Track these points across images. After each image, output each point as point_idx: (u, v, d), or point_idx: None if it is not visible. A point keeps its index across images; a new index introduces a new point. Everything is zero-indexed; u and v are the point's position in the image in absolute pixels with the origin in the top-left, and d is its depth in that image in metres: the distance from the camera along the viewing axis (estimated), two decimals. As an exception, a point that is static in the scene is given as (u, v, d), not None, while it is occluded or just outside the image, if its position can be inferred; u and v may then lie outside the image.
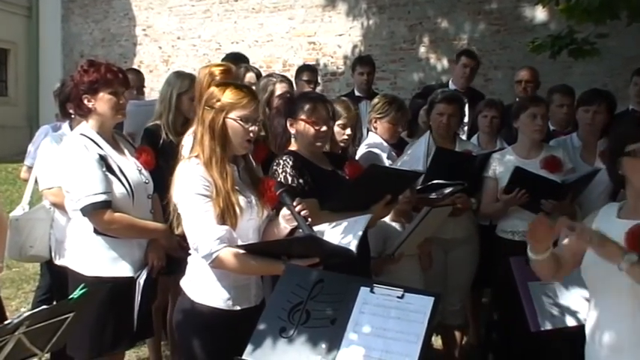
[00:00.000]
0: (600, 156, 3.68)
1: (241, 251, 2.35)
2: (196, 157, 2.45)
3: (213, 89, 2.52)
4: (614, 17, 4.02)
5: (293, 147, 2.99)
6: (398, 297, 1.94)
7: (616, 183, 2.36)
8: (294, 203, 2.43)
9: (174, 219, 2.50)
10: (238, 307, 2.47)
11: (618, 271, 2.05)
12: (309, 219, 2.41)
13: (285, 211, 2.46)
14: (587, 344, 2.31)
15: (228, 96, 2.45)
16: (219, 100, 2.45)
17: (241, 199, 2.44)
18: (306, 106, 2.92)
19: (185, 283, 2.54)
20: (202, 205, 2.36)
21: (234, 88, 2.50)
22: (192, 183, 2.39)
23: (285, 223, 2.48)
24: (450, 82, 5.64)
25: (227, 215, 2.38)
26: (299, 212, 2.40)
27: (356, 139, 3.66)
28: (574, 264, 2.35)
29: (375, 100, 4.09)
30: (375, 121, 3.96)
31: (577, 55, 4.42)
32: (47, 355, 2.38)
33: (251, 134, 2.47)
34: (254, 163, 2.75)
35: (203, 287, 2.47)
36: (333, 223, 2.62)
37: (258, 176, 2.64)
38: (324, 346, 1.90)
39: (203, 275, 2.46)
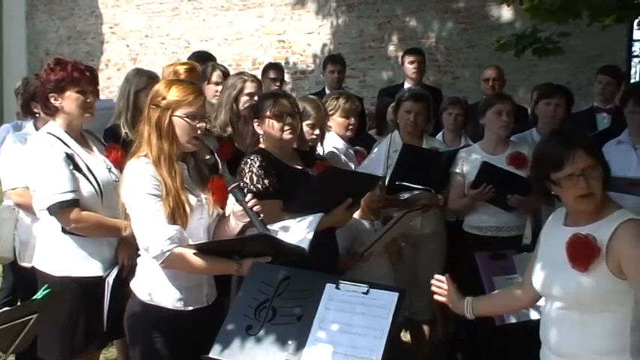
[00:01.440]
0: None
1: (193, 251, 2.32)
2: (145, 156, 2.42)
3: (159, 87, 2.49)
4: (575, 17, 4.10)
5: (262, 145, 2.99)
6: (363, 293, 1.97)
7: (547, 202, 2.34)
8: (247, 199, 2.41)
9: (123, 219, 2.46)
10: (190, 308, 2.45)
11: (564, 280, 2.11)
12: (262, 214, 2.40)
13: (237, 208, 2.44)
14: (542, 348, 2.32)
15: (173, 94, 2.43)
16: (164, 99, 2.42)
17: (191, 198, 2.42)
18: (269, 103, 2.95)
19: (135, 285, 2.50)
20: (152, 205, 2.33)
21: (180, 86, 2.48)
22: (142, 182, 2.35)
23: (237, 220, 2.46)
24: (405, 82, 5.72)
25: (177, 214, 2.35)
26: (251, 208, 2.39)
27: (324, 138, 3.67)
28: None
29: (324, 100, 4.09)
30: (328, 120, 3.97)
31: (541, 53, 4.49)
32: (11, 357, 2.35)
33: (198, 131, 2.45)
34: (219, 162, 2.74)
35: (154, 288, 2.44)
36: (288, 221, 2.61)
37: (208, 175, 2.61)
38: (290, 342, 1.92)
39: (154, 276, 2.43)
